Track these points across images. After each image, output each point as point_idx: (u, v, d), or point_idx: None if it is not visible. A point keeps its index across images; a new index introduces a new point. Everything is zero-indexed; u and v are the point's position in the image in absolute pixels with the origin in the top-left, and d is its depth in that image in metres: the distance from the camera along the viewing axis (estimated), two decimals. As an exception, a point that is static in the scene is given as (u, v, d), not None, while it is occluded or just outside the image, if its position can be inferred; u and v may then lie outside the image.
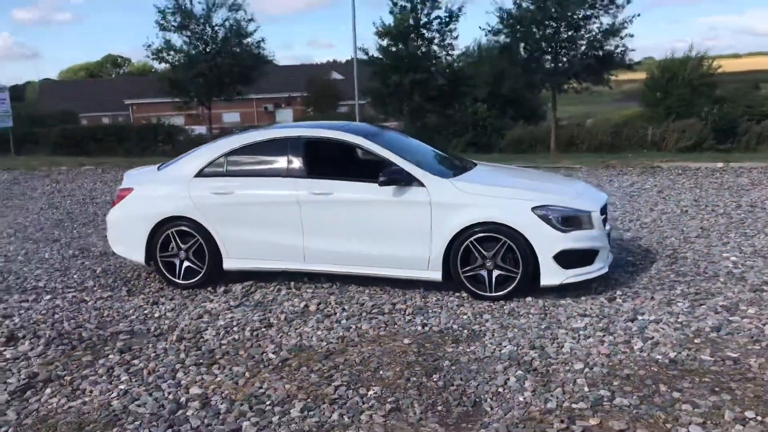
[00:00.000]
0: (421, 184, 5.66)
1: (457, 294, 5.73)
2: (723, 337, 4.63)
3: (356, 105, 19.38)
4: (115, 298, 6.04)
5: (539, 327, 4.94)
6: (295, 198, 5.89)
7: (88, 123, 44.18)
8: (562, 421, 3.54)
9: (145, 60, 50.93)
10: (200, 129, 34.18)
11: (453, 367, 4.29)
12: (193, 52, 22.00)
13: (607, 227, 6.00)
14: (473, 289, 5.62)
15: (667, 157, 15.95)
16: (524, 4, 19.09)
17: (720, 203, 9.50)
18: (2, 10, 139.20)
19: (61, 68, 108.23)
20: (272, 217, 5.99)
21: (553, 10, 18.90)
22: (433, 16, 22.58)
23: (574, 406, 3.71)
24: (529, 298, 5.56)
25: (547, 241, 5.43)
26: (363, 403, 3.83)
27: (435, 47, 22.83)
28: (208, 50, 22.00)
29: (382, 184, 5.60)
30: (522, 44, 19.09)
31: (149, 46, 21.80)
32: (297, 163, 6.02)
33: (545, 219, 5.45)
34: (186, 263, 6.24)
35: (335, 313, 5.38)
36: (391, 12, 22.62)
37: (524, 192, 5.64)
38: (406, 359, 4.42)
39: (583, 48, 19.50)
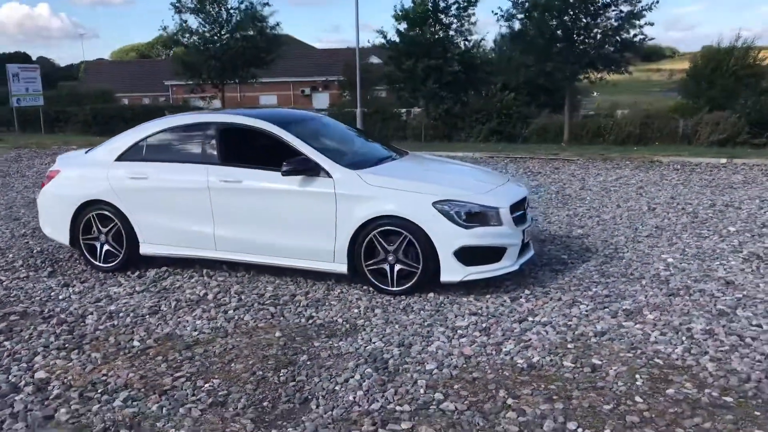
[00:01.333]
0: (328, 175, 5.55)
1: (365, 288, 5.62)
2: (601, 343, 4.42)
3: (358, 92, 19.21)
4: (32, 278, 6.12)
5: (421, 324, 4.81)
6: (206, 185, 5.86)
7: (128, 103, 45.06)
8: (374, 424, 3.43)
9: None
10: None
11: (308, 362, 4.21)
12: (208, 34, 22.15)
13: (526, 224, 5.80)
14: (376, 282, 5.51)
15: (689, 150, 15.26)
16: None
17: (695, 201, 9.11)
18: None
19: (113, 49, 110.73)
20: (184, 203, 5.97)
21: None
22: (451, 1, 22.23)
23: (398, 408, 3.59)
24: (431, 294, 5.42)
25: (447, 237, 5.27)
26: (192, 395, 3.78)
27: (452, 32, 22.48)
28: (222, 33, 22.13)
29: (284, 173, 5.51)
30: (536, 31, 18.54)
31: (165, 28, 22.08)
32: (210, 149, 5.98)
33: (446, 214, 5.28)
34: (106, 247, 6.28)
35: (228, 303, 5.34)
36: (410, -5, 22.35)
37: (428, 186, 5.47)
38: (265, 352, 4.36)
39: (599, 36, 18.87)
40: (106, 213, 6.22)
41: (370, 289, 5.58)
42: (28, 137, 22.03)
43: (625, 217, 8.19)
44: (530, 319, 4.88)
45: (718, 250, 6.63)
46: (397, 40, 22.28)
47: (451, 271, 5.32)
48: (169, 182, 6.02)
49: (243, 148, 6.02)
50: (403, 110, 26.75)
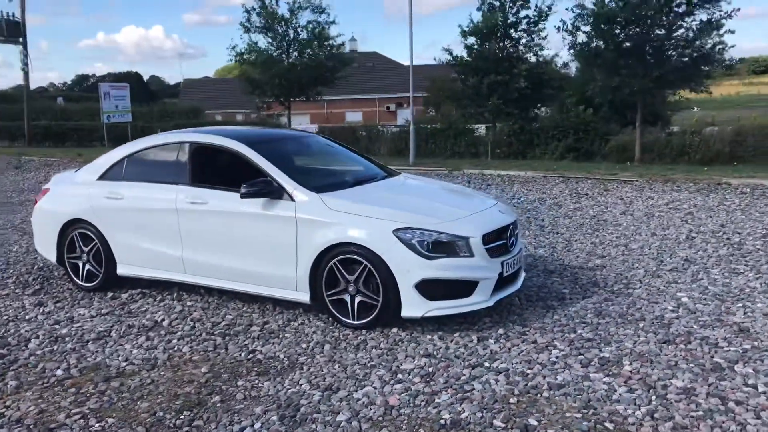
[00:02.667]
0: (291, 198, 5.23)
1: (328, 320, 5.24)
2: (552, 398, 3.84)
3: (411, 108, 18.81)
4: (12, 296, 6.15)
5: (364, 365, 4.38)
6: (174, 206, 5.68)
7: (221, 119, 46.57)
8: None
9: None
10: (308, 127, 34.99)
11: (218, 404, 3.88)
12: (275, 54, 22.46)
13: (509, 255, 5.24)
14: (337, 314, 5.12)
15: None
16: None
17: (745, 230, 8.14)
18: (174, 14, 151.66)
19: (217, 67, 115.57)
20: (155, 225, 5.82)
21: (645, 7, 17.23)
22: (521, 15, 21.56)
23: (277, 467, 3.19)
24: (394, 330, 4.98)
25: (407, 268, 4.82)
26: (75, 436, 3.53)
27: (521, 48, 21.76)
28: (289, 51, 22.39)
29: (243, 196, 5.23)
30: (602, 44, 17.57)
31: (234, 47, 22.56)
32: (181, 169, 5.81)
33: (407, 242, 4.83)
34: (87, 266, 6.22)
35: (180, 331, 5.11)
36: (479, 9, 21.84)
37: (390, 212, 5.03)
38: (181, 390, 4.06)
39: (673, 50, 17.65)
40: (88, 232, 6.17)
41: (333, 320, 5.19)
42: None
43: (654, 247, 7.39)
44: (487, 364, 4.35)
45: (748, 289, 5.80)
46: (465, 55, 21.79)
47: (412, 306, 4.86)
48: (142, 202, 5.89)
49: (212, 169, 5.81)
50: (476, 126, 26.11)
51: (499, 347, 4.64)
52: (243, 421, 3.65)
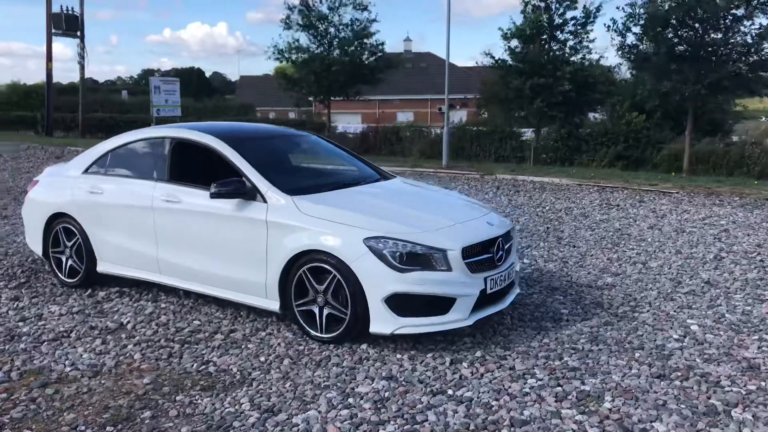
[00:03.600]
0: (264, 200, 4.93)
1: (298, 331, 4.92)
2: (510, 438, 3.41)
3: (446, 107, 18.26)
4: (-8, 289, 6.02)
5: (318, 385, 4.03)
6: (150, 203, 5.45)
7: (274, 117, 46.80)
8: None
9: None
10: (350, 126, 34.77)
11: (147, 421, 3.59)
12: (316, 51, 22.30)
13: (496, 270, 4.81)
14: (305, 326, 4.79)
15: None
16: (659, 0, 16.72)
17: (782, 251, 7.44)
18: (238, 12, 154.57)
19: (276, 65, 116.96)
20: (132, 222, 5.60)
21: (699, 9, 16.34)
22: (568, 16, 20.84)
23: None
24: (363, 346, 4.61)
25: (376, 280, 4.45)
26: (-17, 448, 3.29)
27: (567, 50, 21.02)
28: (330, 49, 22.20)
29: (212, 195, 4.95)
30: (653, 47, 16.73)
31: (275, 46, 22.49)
32: (158, 165, 5.58)
33: (377, 253, 4.46)
34: (70, 261, 6.06)
35: (138, 336, 4.86)
36: (522, 12, 21.21)
37: (363, 219, 4.66)
38: (114, 402, 3.80)
39: (730, 55, 16.68)
40: (71, 227, 6.01)
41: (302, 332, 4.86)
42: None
43: (675, 267, 6.79)
44: (450, 392, 3.94)
45: (769, 319, 5.20)
46: (507, 58, 21.18)
47: (381, 321, 4.48)
48: (120, 198, 5.69)
49: (189, 166, 5.55)
50: (524, 130, 25.38)
51: (471, 372, 4.22)
52: (163, 442, 3.35)
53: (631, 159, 22.69)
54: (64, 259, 6.11)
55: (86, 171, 6.05)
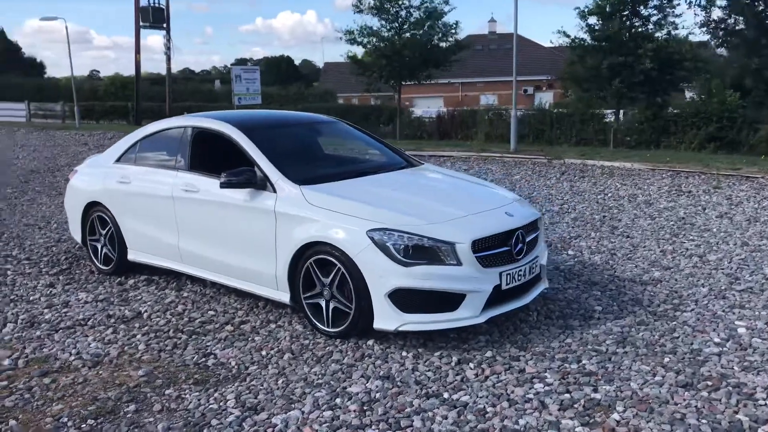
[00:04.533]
0: (274, 190, 4.81)
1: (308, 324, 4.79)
2: (495, 451, 3.14)
3: (513, 89, 17.51)
4: (33, 275, 6.21)
5: (311, 383, 3.88)
6: (170, 193, 5.45)
7: (358, 103, 46.83)
8: None
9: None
10: (428, 110, 34.36)
11: (129, 415, 3.56)
12: (387, 34, 22.04)
13: (512, 265, 4.49)
14: (313, 319, 4.65)
15: None
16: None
17: None
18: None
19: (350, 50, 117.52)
20: (155, 211, 5.63)
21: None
22: (653, -10, 19.65)
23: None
24: (370, 341, 4.43)
25: (380, 274, 4.24)
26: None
27: (651, 26, 19.82)
28: (401, 32, 21.87)
29: (223, 185, 4.87)
30: (741, 20, 15.49)
31: (348, 30, 22.38)
32: (180, 155, 5.57)
33: (381, 245, 4.24)
34: (105, 249, 6.19)
35: (149, 325, 4.87)
36: (601, -13, 20.15)
37: (369, 209, 4.44)
38: (104, 394, 3.79)
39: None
40: (104, 216, 6.12)
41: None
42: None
43: (737, 261, 6.19)
44: (446, 395, 3.70)
45: (833, 322, 4.62)
46: (585, 36, 20.20)
47: (385, 317, 4.27)
48: (144, 188, 5.73)
49: (208, 155, 5.51)
50: (607, 111, 24.19)
51: (476, 374, 3.96)
52: (134, 439, 3.29)
53: (725, 141, 21.16)
54: (99, 247, 6.24)
55: (118, 160, 6.14)
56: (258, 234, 4.84)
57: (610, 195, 9.78)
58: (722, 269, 5.94)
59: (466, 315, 4.28)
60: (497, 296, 4.40)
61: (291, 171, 4.91)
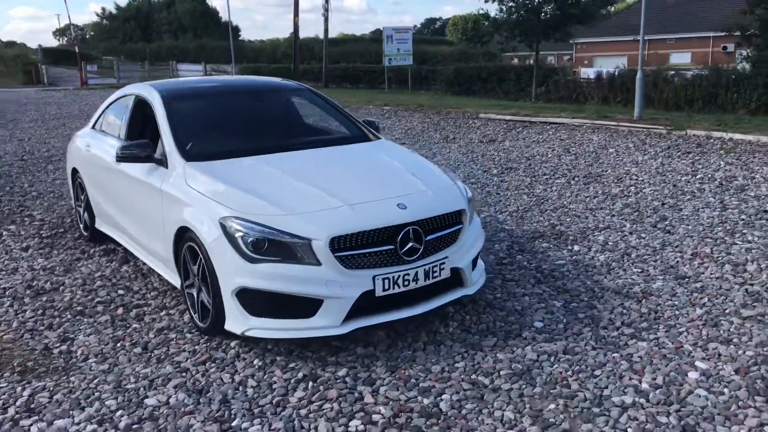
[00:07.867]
0: (167, 166, 4.43)
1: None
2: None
3: (641, 44, 14.99)
4: (30, 245, 6.39)
5: (115, 383, 3.50)
6: (108, 164, 5.28)
7: (517, 62, 44.73)
8: None
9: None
10: (589, 71, 31.78)
11: (-77, 401, 3.42)
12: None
13: (418, 262, 3.74)
14: (190, 311, 4.25)
15: None
16: None
17: None
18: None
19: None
20: (104, 181, 5.52)
21: None
22: None
23: None
24: (233, 343, 3.95)
25: (227, 268, 3.72)
26: None
27: None
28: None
29: (117, 159, 4.56)
30: None
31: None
32: (123, 123, 5.37)
33: (230, 237, 3.70)
34: (85, 215, 6.23)
35: (53, 301, 4.74)
36: None
37: (232, 195, 3.89)
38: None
39: None
40: (81, 181, 6.15)
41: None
42: (373, 94, 23.54)
43: (727, 245, 4.76)
44: (236, 422, 3.13)
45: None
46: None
47: (233, 319, 3.77)
48: (96, 157, 5.63)
49: (140, 124, 5.24)
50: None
51: (301, 397, 3.33)
52: None
53: None
54: (81, 212, 6.29)
55: (93, 127, 6.11)
56: (154, 212, 4.50)
57: (699, 177, 8.12)
58: (730, 253, 4.58)
59: (323, 324, 3.63)
60: (369, 304, 3.67)
61: (193, 146, 4.48)
